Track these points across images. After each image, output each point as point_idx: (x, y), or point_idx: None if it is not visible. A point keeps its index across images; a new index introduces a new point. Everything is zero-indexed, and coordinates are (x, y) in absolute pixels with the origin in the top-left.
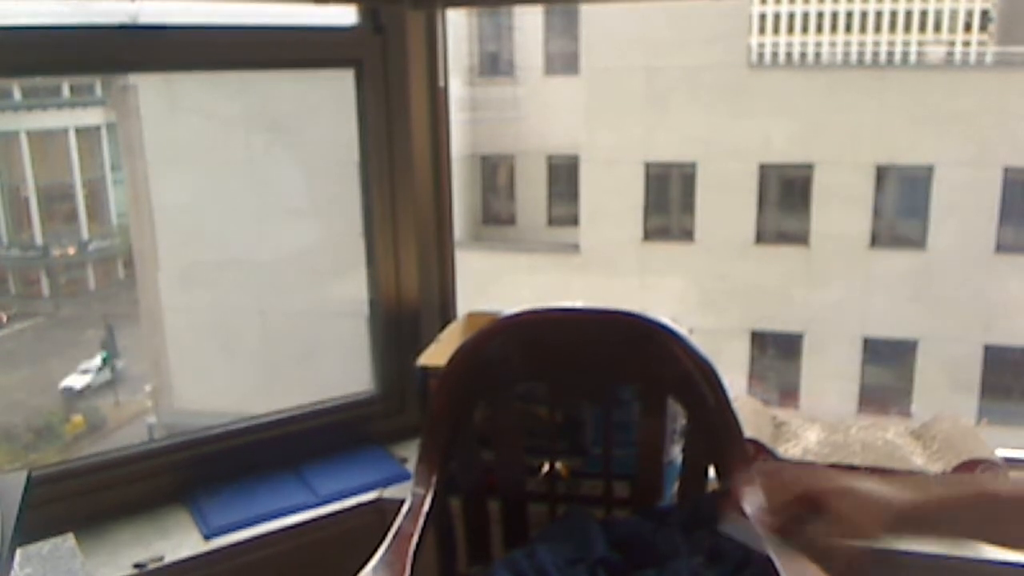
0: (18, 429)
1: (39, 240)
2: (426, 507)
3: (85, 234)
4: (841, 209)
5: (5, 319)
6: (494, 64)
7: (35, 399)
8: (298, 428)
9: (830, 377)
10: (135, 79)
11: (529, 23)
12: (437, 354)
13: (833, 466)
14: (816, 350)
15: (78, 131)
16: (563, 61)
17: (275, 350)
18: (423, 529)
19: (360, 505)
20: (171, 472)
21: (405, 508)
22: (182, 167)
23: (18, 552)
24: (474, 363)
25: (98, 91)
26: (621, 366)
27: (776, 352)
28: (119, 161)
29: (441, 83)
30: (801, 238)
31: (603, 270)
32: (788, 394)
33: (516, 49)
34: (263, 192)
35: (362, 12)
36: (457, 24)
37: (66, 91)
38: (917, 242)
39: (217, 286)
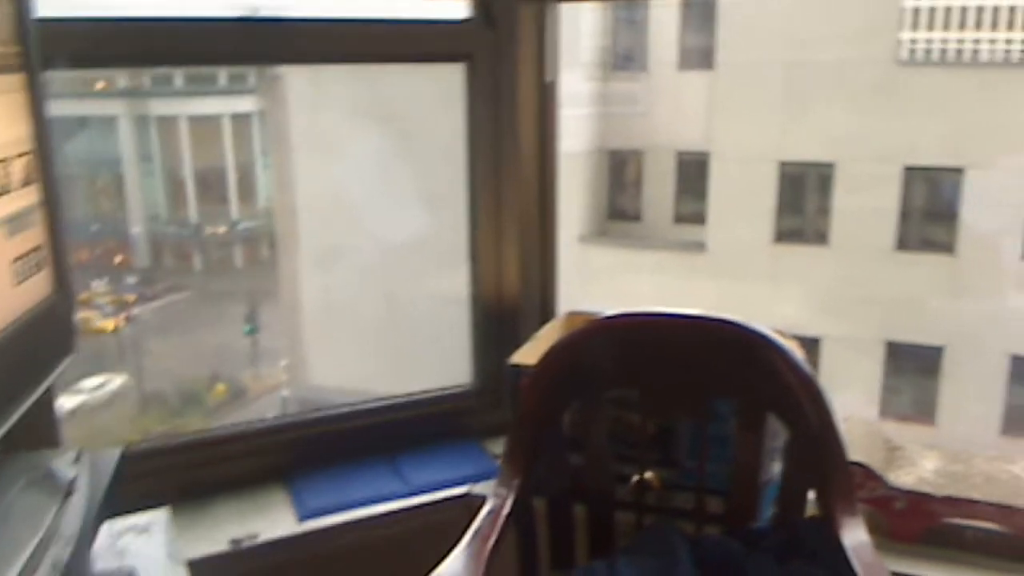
0: (167, 394)
1: (194, 219)
2: (507, 509)
3: (235, 215)
4: (993, 217)
5: (160, 290)
6: (627, 58)
7: (184, 367)
8: (396, 417)
9: (972, 397)
10: (284, 69)
11: (664, 16)
12: (532, 352)
13: (949, 498)
14: (957, 366)
15: (232, 118)
16: (698, 55)
17: (400, 334)
18: (502, 530)
19: (450, 499)
20: (273, 452)
21: (486, 509)
22: (322, 155)
23: (115, 523)
24: (566, 364)
25: (251, 80)
26: (719, 377)
27: (913, 367)
28: (268, 147)
29: (550, 78)
30: (947, 246)
31: (729, 270)
32: (924, 413)
33: (650, 43)
34: (390, 181)
35: (474, 5)
36: (589, 19)
37: (223, 80)
38: None
39: (349, 270)
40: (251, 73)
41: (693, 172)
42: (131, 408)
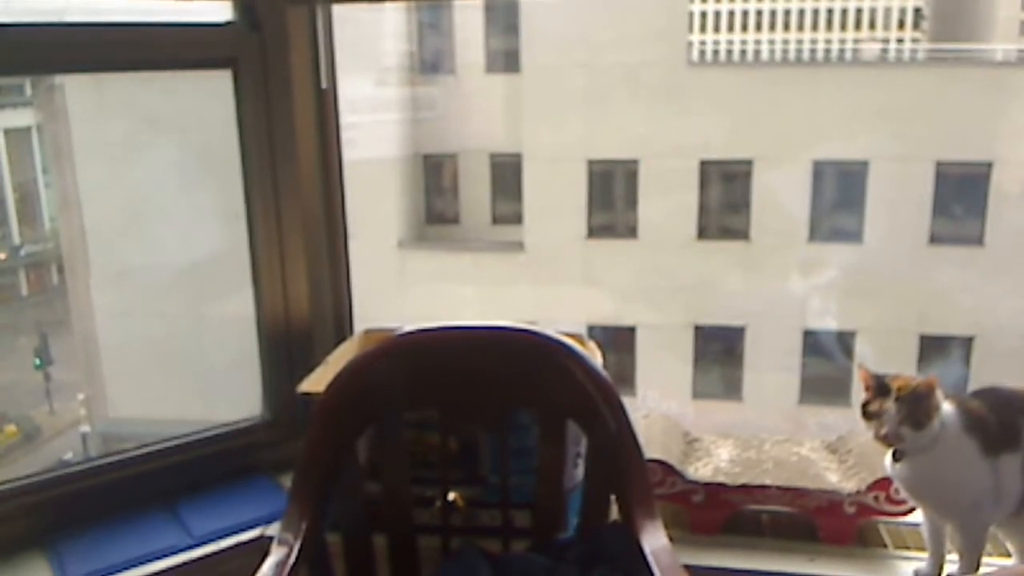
0: None
1: None
2: (295, 553)
3: (16, 239)
4: (781, 204)
5: None
6: (435, 62)
7: None
8: (178, 460)
9: (772, 371)
10: (62, 78)
11: (468, 20)
12: (324, 378)
13: (743, 486)
14: (758, 343)
15: (6, 132)
16: (504, 58)
17: (202, 359)
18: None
19: (240, 545)
20: (33, 515)
21: (271, 558)
22: (110, 170)
23: None
24: (355, 389)
25: (28, 91)
26: (518, 388)
27: (720, 347)
28: (49, 164)
29: (325, 84)
30: (742, 233)
31: (548, 267)
32: (732, 390)
33: (456, 47)
34: (185, 196)
35: (237, 8)
36: (393, 23)
37: None
38: (854, 235)
39: (145, 292)
40: (26, 84)
41: (508, 173)
42: None
